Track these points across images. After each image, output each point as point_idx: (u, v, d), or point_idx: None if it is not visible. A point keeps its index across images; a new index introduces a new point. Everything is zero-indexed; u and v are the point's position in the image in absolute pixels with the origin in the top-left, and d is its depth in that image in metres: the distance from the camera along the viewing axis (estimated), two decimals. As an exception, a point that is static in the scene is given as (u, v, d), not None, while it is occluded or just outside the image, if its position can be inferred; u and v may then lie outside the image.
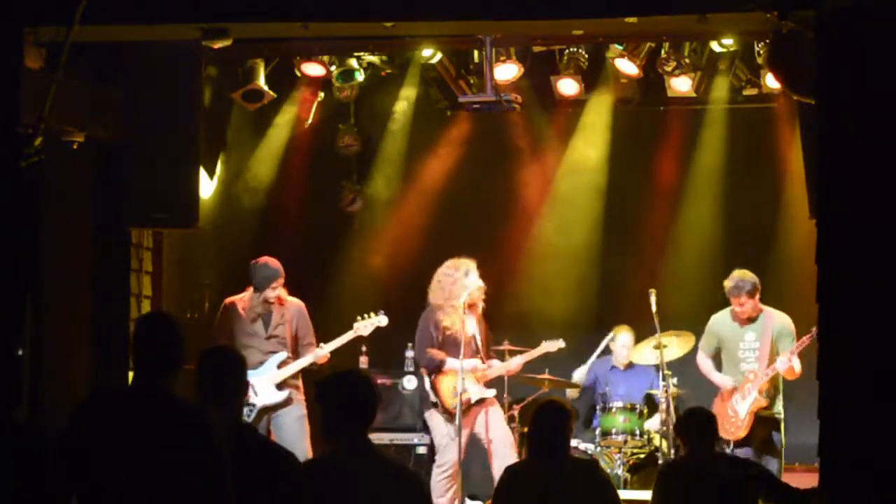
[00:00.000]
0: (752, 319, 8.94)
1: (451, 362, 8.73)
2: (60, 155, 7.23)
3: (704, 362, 9.21)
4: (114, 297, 8.15)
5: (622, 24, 6.84)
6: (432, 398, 8.82)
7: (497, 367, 8.99)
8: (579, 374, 9.69)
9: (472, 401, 8.74)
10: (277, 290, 8.61)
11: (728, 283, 8.91)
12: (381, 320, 8.91)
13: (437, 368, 8.77)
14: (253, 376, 8.34)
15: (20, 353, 6.30)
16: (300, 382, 8.68)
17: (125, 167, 7.70)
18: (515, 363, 9.06)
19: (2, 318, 6.25)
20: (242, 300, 8.68)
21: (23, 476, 4.65)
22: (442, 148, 10.66)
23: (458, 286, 8.78)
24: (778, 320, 8.89)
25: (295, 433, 8.44)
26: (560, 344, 9.21)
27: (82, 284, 7.96)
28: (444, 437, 8.74)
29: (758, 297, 8.87)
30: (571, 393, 9.68)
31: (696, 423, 6.49)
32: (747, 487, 6.31)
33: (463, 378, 8.51)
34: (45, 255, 6.69)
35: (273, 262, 8.65)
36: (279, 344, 8.61)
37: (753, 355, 8.92)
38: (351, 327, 8.86)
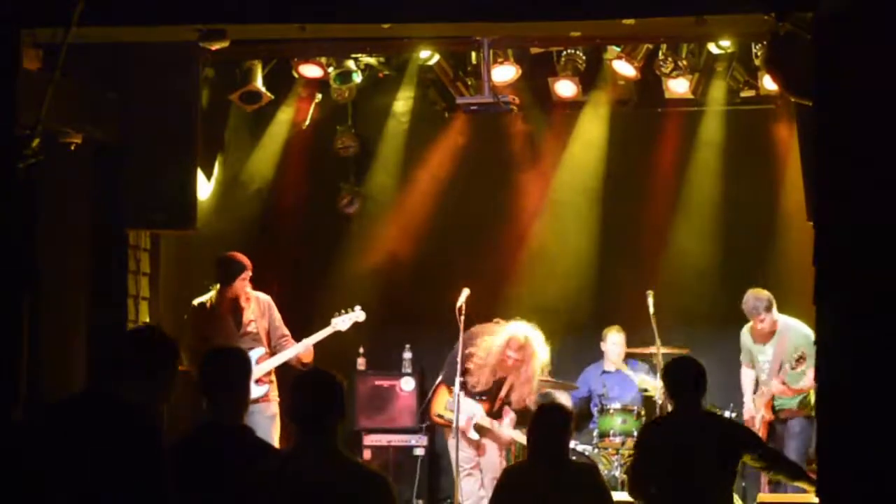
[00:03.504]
0: (772, 334, 9.13)
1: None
2: (58, 156, 7.22)
3: (745, 377, 9.44)
4: (111, 299, 8.14)
5: (620, 25, 6.83)
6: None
7: (502, 429, 8.94)
8: None
9: (474, 421, 8.81)
10: (246, 283, 8.63)
11: (745, 306, 9.12)
12: (359, 315, 8.89)
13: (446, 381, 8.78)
14: None
15: (18, 353, 6.29)
16: (274, 378, 8.66)
17: (123, 169, 7.70)
18: (508, 435, 8.99)
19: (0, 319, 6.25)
20: (210, 299, 8.69)
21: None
22: (439, 149, 10.66)
23: (491, 354, 8.79)
24: (793, 334, 8.99)
25: (267, 432, 8.39)
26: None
27: (80, 286, 7.95)
28: (461, 466, 8.72)
29: (774, 310, 9.07)
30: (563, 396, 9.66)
31: (682, 377, 6.43)
32: (727, 448, 6.29)
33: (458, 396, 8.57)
34: (43, 257, 6.68)
35: (239, 256, 8.67)
36: (253, 340, 8.59)
37: (769, 370, 9.14)
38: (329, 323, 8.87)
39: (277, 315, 8.76)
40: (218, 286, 8.68)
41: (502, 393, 8.89)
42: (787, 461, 6.64)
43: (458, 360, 8.58)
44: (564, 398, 9.67)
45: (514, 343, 8.76)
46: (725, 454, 6.32)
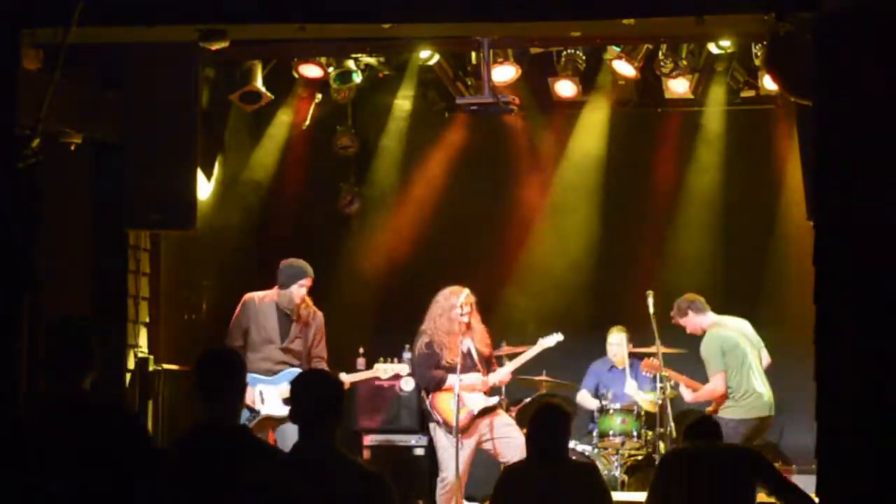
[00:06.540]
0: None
1: (450, 379, 8.57)
2: (58, 156, 7.23)
3: None
4: (111, 299, 8.15)
5: (620, 25, 6.83)
6: (434, 416, 8.65)
7: (493, 377, 8.76)
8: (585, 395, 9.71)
9: (475, 412, 8.61)
10: (304, 290, 8.44)
11: None
12: (403, 369, 8.84)
13: (436, 386, 8.62)
14: (265, 384, 8.28)
15: (17, 353, 6.30)
16: None
17: (123, 169, 7.70)
18: (505, 371, 8.85)
19: (-1, 319, 6.26)
20: (262, 297, 8.53)
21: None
22: (439, 149, 10.67)
23: (445, 318, 8.68)
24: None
25: None
26: (558, 337, 9.03)
27: (80, 285, 7.95)
28: (445, 451, 8.63)
29: (689, 317, 9.08)
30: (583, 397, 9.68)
31: (697, 429, 6.48)
32: (740, 466, 6.30)
33: (459, 394, 8.39)
34: (43, 257, 6.69)
35: (301, 262, 8.52)
36: (293, 357, 8.43)
37: None
38: (372, 366, 8.84)
39: (322, 336, 8.58)
40: (276, 289, 8.52)
41: (474, 353, 8.75)
42: (801, 494, 6.45)
43: (458, 359, 8.55)
44: (577, 395, 9.69)
45: (466, 300, 8.68)
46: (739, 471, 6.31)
